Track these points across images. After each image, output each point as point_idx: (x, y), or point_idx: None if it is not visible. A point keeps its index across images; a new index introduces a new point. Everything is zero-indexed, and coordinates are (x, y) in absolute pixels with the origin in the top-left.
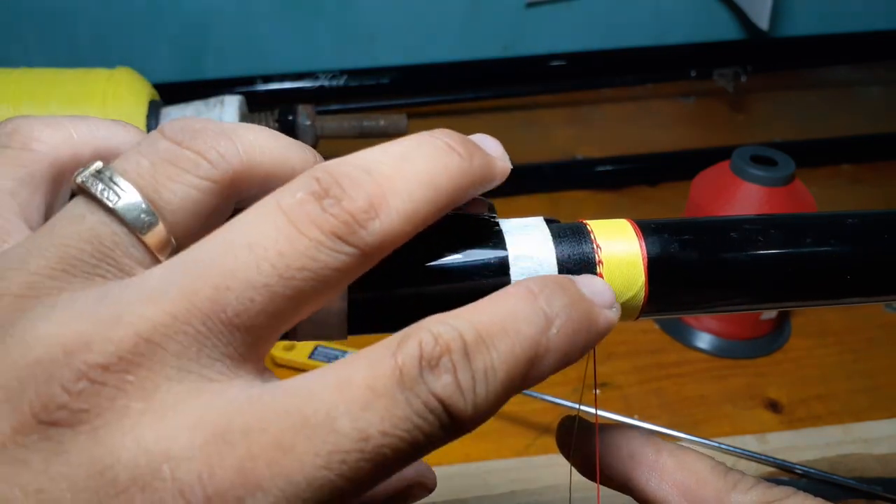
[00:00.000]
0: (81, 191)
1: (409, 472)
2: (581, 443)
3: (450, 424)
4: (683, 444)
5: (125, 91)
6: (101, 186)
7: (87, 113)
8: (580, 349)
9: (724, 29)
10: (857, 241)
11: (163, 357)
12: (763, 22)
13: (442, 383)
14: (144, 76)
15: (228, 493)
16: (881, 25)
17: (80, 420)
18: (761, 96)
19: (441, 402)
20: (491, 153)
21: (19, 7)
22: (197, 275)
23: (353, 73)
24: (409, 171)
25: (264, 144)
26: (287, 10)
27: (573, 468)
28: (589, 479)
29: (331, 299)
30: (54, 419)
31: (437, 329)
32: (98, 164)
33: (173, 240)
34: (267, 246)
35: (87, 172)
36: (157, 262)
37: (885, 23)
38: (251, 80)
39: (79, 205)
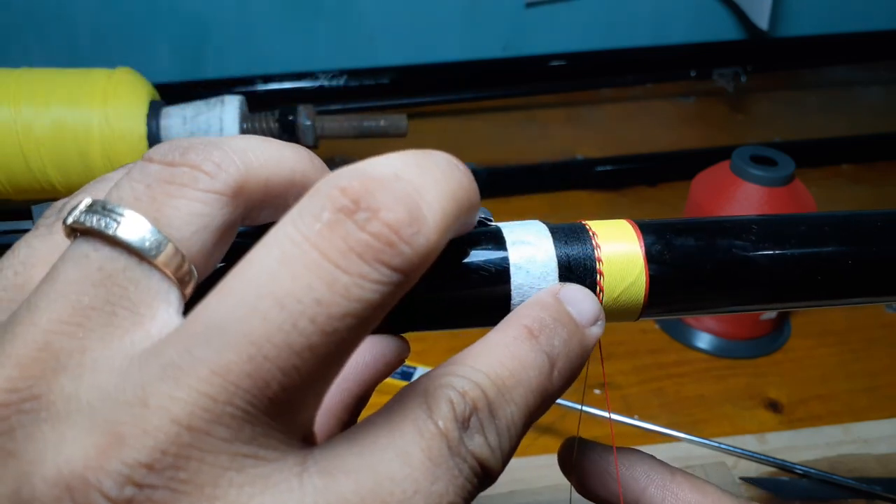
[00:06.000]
0: (76, 231)
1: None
2: (581, 464)
3: (485, 479)
4: (683, 444)
5: (125, 91)
6: (96, 218)
7: (86, 113)
8: (574, 379)
9: (724, 29)
10: (858, 241)
11: (212, 445)
12: (763, 22)
13: (476, 444)
14: (145, 76)
15: None
16: (881, 25)
17: None
18: (761, 96)
19: (478, 461)
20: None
21: (19, 7)
22: (223, 345)
23: (353, 73)
24: (434, 180)
25: (257, 149)
26: (287, 10)
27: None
28: (588, 498)
29: None
30: None
31: (461, 386)
32: (87, 200)
33: (190, 265)
34: (301, 297)
35: (76, 211)
36: (181, 292)
37: (886, 23)
38: (251, 80)
39: (78, 246)
